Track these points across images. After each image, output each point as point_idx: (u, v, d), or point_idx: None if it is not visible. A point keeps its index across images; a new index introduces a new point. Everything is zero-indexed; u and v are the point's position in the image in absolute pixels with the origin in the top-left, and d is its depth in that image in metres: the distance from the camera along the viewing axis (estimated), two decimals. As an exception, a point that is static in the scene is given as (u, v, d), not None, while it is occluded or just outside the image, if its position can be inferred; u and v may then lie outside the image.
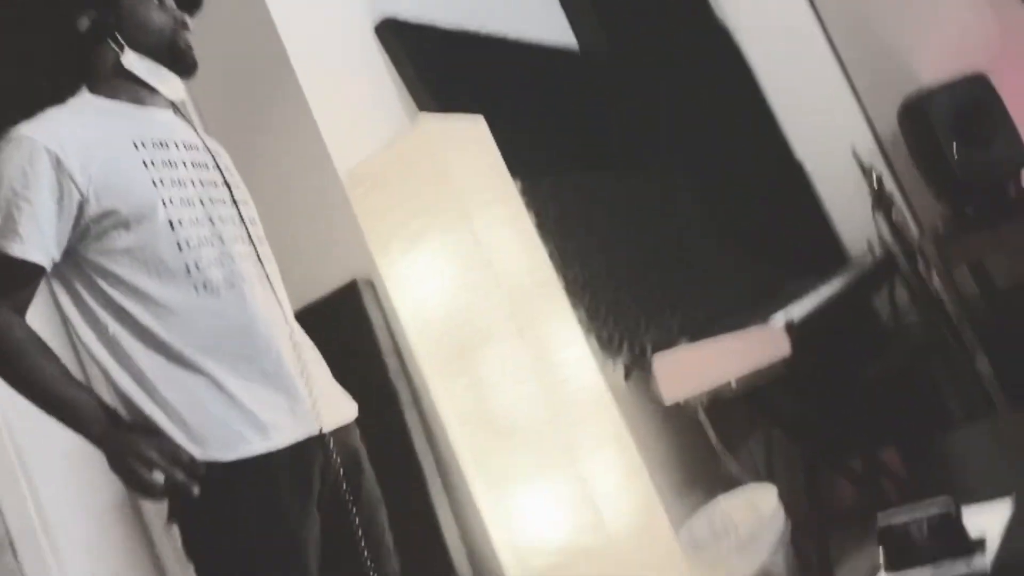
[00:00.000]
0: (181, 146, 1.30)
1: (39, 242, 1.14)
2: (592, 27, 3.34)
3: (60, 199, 1.15)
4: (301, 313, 1.45)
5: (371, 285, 2.12)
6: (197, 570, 1.19)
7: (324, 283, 2.11)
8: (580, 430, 1.89)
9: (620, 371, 2.29)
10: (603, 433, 1.96)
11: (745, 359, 2.13)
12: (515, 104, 2.71)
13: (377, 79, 2.43)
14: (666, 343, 2.36)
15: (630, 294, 2.50)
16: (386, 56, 2.49)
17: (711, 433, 2.34)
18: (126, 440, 1.15)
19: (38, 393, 1.16)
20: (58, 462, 2.45)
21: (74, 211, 1.16)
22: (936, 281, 2.68)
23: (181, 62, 1.32)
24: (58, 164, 1.15)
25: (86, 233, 1.18)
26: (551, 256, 2.26)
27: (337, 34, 2.39)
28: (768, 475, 2.59)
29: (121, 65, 1.27)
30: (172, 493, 1.15)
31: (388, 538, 1.40)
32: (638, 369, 2.31)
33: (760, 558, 2.02)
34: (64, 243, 1.18)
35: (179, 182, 1.24)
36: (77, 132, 1.20)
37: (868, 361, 2.82)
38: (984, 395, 2.57)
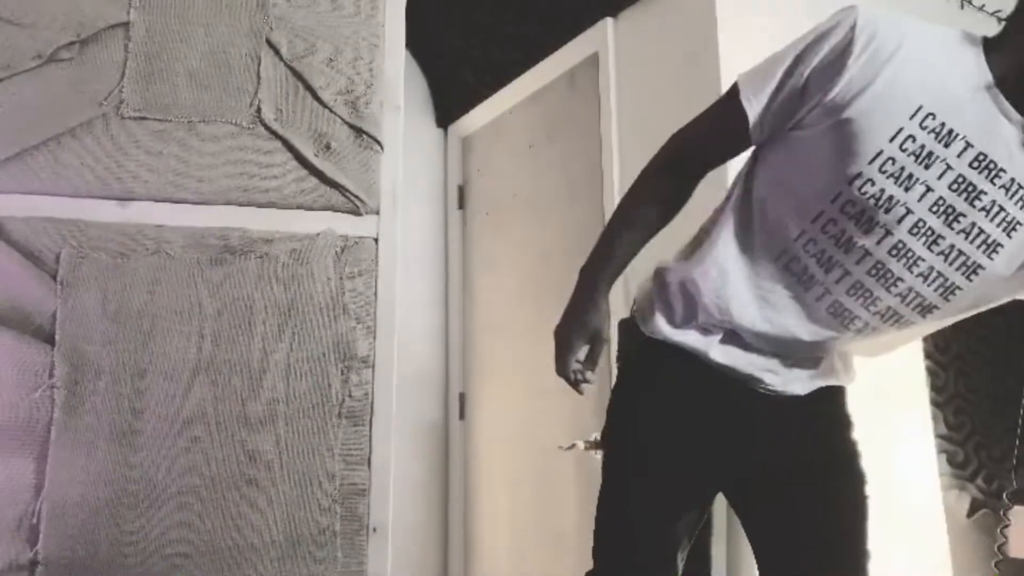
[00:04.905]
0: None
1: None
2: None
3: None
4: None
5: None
6: (606, 423, 1.25)
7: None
8: (891, 530, 1.70)
9: (964, 502, 2.00)
10: (920, 552, 1.74)
11: None
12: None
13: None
14: (1034, 496, 2.01)
15: (1007, 423, 2.16)
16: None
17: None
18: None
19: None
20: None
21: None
22: None
23: None
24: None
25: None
26: (927, 348, 2.05)
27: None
28: None
29: None
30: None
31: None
32: (989, 509, 1.99)
33: None
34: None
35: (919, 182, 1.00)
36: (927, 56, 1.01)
37: None
38: None
